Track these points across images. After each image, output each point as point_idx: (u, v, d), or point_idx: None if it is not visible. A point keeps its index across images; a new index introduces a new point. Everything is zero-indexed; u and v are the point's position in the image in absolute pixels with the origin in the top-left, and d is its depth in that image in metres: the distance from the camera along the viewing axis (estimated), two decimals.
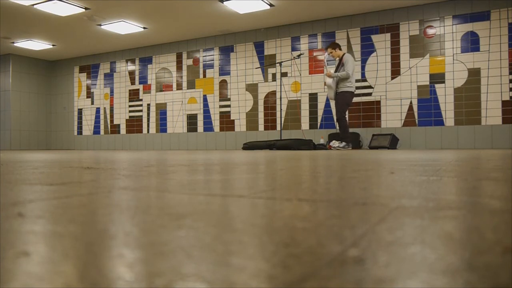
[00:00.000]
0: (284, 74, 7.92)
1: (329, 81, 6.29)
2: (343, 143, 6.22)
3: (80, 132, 10.56)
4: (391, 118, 7.06)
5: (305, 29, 7.81)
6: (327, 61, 6.54)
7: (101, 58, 10.21)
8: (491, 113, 6.41)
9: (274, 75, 8.07)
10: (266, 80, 8.16)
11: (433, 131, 6.78)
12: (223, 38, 8.66)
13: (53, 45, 9.35)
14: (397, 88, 7.02)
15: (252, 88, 8.30)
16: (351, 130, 7.16)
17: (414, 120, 6.90)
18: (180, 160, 2.47)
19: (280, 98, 7.19)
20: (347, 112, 7.17)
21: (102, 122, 10.19)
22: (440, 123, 6.73)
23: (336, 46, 6.41)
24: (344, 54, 6.36)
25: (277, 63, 7.42)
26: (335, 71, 6.35)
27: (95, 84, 10.30)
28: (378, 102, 7.15)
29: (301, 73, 7.81)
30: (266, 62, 8.15)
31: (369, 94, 7.21)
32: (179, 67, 9.15)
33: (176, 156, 3.28)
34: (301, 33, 7.84)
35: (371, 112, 7.20)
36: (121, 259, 0.33)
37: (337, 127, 6.39)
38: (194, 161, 2.23)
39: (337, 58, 6.42)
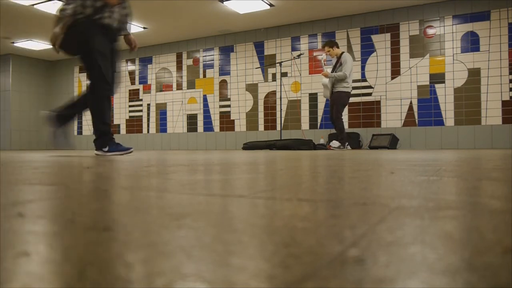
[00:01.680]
0: (284, 74, 7.92)
1: (325, 80, 6.18)
2: (338, 144, 6.12)
3: (80, 132, 10.57)
4: (391, 118, 7.06)
5: (305, 29, 7.81)
6: (326, 61, 6.41)
7: None
8: (491, 113, 6.41)
9: (274, 75, 8.07)
10: (266, 80, 8.16)
11: (433, 131, 6.78)
12: (223, 38, 8.66)
13: None
14: (397, 88, 7.02)
15: (252, 88, 8.30)
16: (351, 130, 7.16)
17: (414, 120, 6.90)
18: (180, 160, 2.47)
19: (280, 98, 7.19)
20: (346, 112, 7.17)
21: None
22: (440, 123, 6.73)
23: (333, 44, 6.17)
24: (343, 53, 6.17)
25: (277, 63, 7.42)
26: (333, 70, 6.17)
27: None
28: (378, 102, 7.15)
29: (301, 73, 7.81)
30: (266, 62, 8.15)
31: (369, 94, 7.21)
32: (179, 67, 9.15)
33: (176, 156, 3.28)
34: (301, 33, 7.84)
35: (371, 112, 7.20)
36: (121, 259, 0.33)
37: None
38: (194, 161, 2.23)
39: (335, 57, 6.26)
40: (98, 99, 3.30)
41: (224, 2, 6.73)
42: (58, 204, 0.66)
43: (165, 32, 8.47)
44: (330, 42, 6.23)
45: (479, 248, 0.36)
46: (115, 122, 9.98)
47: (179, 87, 9.13)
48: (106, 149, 3.28)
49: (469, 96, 6.56)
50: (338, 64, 6.12)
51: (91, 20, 3.11)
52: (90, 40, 3.14)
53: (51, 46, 3.32)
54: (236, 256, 0.34)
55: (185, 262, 0.32)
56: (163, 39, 9.03)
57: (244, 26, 8.10)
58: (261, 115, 8.21)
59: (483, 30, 6.49)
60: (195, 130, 8.94)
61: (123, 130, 9.87)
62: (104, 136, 3.31)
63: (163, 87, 9.34)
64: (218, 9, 7.08)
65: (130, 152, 3.39)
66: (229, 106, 8.56)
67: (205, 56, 8.86)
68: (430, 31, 6.84)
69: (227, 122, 8.58)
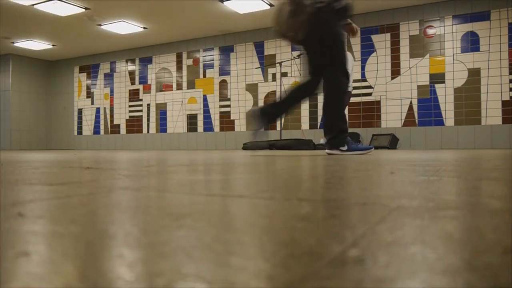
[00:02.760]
0: (284, 74, 7.92)
1: None
2: None
3: (80, 132, 10.56)
4: (391, 118, 7.06)
5: None
6: None
7: (101, 58, 10.22)
8: (491, 113, 6.41)
9: (274, 75, 8.07)
10: (266, 80, 8.16)
11: (433, 131, 6.78)
12: (223, 38, 8.66)
13: (53, 45, 9.36)
14: (397, 88, 7.02)
15: (252, 88, 8.30)
16: (351, 130, 7.15)
17: (414, 120, 6.90)
18: (180, 160, 2.47)
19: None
20: (346, 112, 7.16)
21: (102, 122, 10.19)
22: (440, 123, 6.73)
23: None
24: None
25: (277, 63, 7.42)
26: None
27: (95, 84, 10.31)
28: (378, 102, 7.15)
29: (301, 73, 7.80)
30: (266, 62, 8.15)
31: (369, 94, 7.21)
32: (179, 67, 9.15)
33: (176, 156, 3.28)
34: None
35: (371, 112, 7.20)
36: (121, 259, 0.33)
37: None
38: (194, 161, 2.23)
39: None
40: (340, 94, 3.13)
41: (224, 2, 6.73)
42: (58, 204, 0.66)
43: (165, 32, 8.47)
44: None
45: (479, 248, 0.36)
46: (115, 122, 9.99)
47: (179, 87, 9.13)
48: (345, 148, 3.04)
49: (469, 96, 6.56)
50: None
51: (331, 8, 2.91)
52: (334, 30, 2.97)
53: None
54: (236, 256, 0.34)
55: (185, 262, 0.32)
56: (163, 39, 9.03)
57: (244, 26, 8.10)
58: None
59: (483, 30, 6.49)
60: (195, 130, 8.94)
61: (123, 130, 9.87)
62: (342, 134, 3.08)
63: (163, 87, 9.34)
64: (218, 9, 7.08)
65: (370, 152, 3.11)
66: (229, 106, 8.56)
67: (205, 56, 8.86)
68: (430, 31, 6.84)
69: (227, 122, 8.58)
